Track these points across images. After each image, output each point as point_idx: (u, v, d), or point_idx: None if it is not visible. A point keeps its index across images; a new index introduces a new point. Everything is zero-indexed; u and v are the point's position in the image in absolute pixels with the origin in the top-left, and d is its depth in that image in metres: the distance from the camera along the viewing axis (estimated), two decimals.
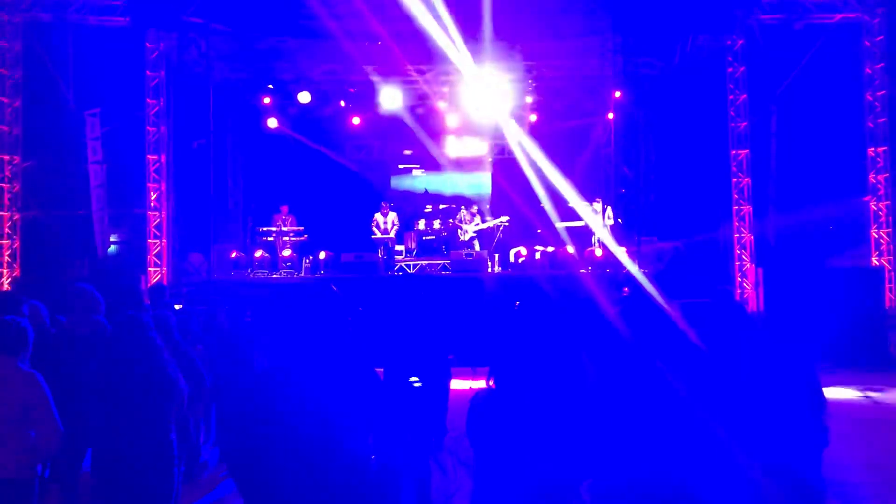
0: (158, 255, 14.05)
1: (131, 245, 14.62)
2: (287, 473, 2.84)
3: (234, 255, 15.46)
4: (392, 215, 16.31)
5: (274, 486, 2.86)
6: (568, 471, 3.47)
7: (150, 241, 14.03)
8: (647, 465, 3.29)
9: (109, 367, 4.18)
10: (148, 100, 14.09)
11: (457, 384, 8.31)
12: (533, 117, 18.84)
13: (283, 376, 2.95)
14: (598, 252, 15.21)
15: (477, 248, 16.31)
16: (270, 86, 17.52)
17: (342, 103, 18.05)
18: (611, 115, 14.69)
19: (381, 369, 5.90)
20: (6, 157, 13.34)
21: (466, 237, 16.59)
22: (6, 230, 13.36)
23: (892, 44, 13.87)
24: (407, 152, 19.79)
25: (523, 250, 16.24)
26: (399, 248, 16.67)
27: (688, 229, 16.18)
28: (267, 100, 17.59)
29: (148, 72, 14.07)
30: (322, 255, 15.62)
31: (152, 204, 14.10)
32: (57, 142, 13.33)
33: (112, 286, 7.20)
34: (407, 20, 13.03)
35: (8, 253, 13.38)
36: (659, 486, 3.30)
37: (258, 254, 15.73)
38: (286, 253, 15.68)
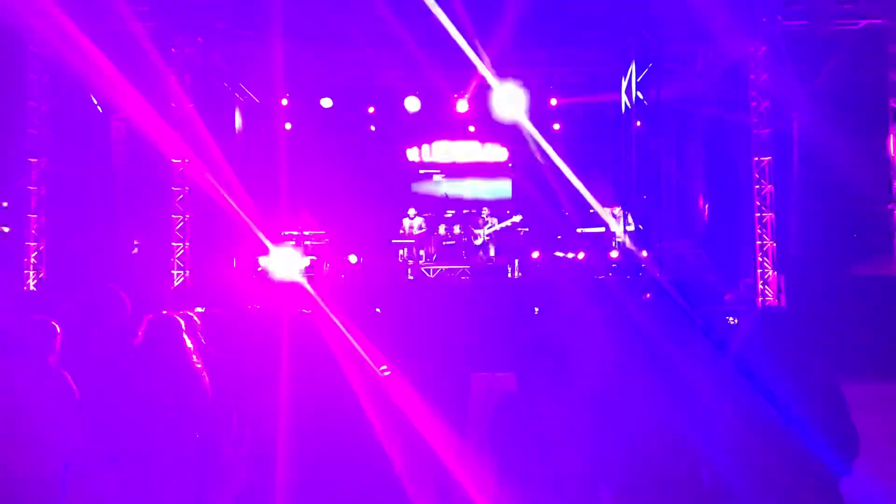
0: (182, 258, 14.18)
1: (155, 248, 14.76)
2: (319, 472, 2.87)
3: (258, 258, 15.56)
4: (419, 220, 16.47)
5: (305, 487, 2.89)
6: (590, 474, 3.49)
7: (173, 243, 14.16)
8: (668, 470, 3.29)
9: (140, 367, 4.25)
10: (172, 104, 14.22)
11: (476, 388, 8.33)
12: (556, 126, 18.86)
13: (312, 379, 2.98)
14: (615, 254, 15.19)
15: (492, 252, 16.30)
16: (285, 99, 17.73)
17: (371, 109, 18.18)
18: (639, 123, 14.65)
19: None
20: (33, 161, 13.54)
21: (479, 241, 16.58)
22: (33, 232, 13.56)
23: None
24: (428, 157, 19.88)
25: (535, 254, 16.22)
26: (420, 252, 16.74)
27: (710, 236, 16.11)
28: (285, 101, 17.79)
29: (173, 76, 14.21)
30: (353, 258, 15.72)
31: (176, 207, 14.23)
32: (83, 145, 13.50)
33: (137, 288, 7.29)
34: (429, 26, 13.07)
35: (34, 255, 13.57)
36: (681, 490, 3.31)
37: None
38: (308, 258, 15.78)
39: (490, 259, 15.50)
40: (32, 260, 13.55)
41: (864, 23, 13.86)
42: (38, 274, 13.58)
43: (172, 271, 14.01)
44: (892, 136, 14.04)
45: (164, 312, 4.42)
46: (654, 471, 3.29)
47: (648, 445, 3.29)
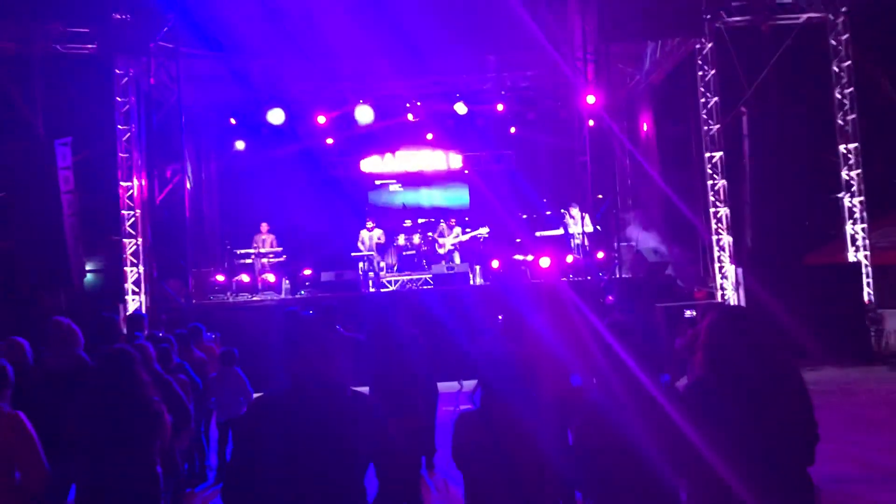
0: (136, 283, 13.89)
1: (108, 273, 14.44)
2: (286, 500, 2.78)
3: (218, 278, 15.29)
4: (377, 232, 16.32)
5: None
6: (557, 487, 3.44)
7: (126, 268, 13.86)
8: (637, 477, 3.26)
9: (95, 402, 4.08)
10: (119, 126, 13.96)
11: (443, 399, 8.29)
12: (513, 129, 18.92)
13: (285, 402, 2.88)
14: (570, 259, 15.26)
15: (457, 260, 16.27)
16: (233, 120, 17.56)
17: (322, 119, 17.96)
18: (591, 122, 14.73)
19: (366, 389, 5.82)
20: None
21: (444, 251, 16.55)
22: None
23: (857, 42, 14.08)
24: (383, 168, 19.81)
25: (496, 263, 16.17)
26: (380, 264, 16.62)
27: (667, 233, 16.27)
28: (233, 121, 17.62)
29: (118, 98, 13.95)
30: (307, 272, 15.57)
31: (127, 231, 13.95)
32: (28, 172, 13.13)
33: (90, 317, 7.07)
34: (380, 35, 13.02)
35: None
36: (649, 495, 3.28)
37: (238, 278, 15.57)
38: (268, 277, 15.51)
39: (451, 266, 15.45)
40: None
41: (805, 17, 14.16)
42: None
43: (126, 297, 13.69)
44: (838, 125, 14.31)
45: (118, 346, 4.24)
46: (628, 481, 3.26)
47: (619, 457, 3.25)
